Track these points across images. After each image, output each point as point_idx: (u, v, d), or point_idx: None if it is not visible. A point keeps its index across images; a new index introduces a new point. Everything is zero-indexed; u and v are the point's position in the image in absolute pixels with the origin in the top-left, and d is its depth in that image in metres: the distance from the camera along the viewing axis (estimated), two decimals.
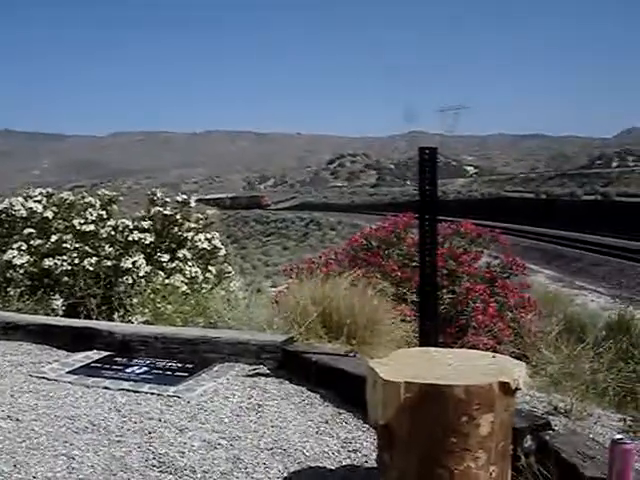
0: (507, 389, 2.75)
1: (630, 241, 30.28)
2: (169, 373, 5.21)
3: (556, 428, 3.49)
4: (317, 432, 3.99)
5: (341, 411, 4.32)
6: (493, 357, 3.15)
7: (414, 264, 7.44)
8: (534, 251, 29.28)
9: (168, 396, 4.70)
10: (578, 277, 23.20)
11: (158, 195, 10.06)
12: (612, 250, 27.16)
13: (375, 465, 3.16)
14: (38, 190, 10.06)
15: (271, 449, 3.73)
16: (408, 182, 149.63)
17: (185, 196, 10.38)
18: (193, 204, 10.22)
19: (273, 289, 14.39)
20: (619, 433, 3.40)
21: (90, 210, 9.69)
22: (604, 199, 51.53)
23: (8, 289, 8.60)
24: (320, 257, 8.89)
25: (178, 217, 9.81)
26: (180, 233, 9.75)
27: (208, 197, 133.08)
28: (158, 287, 8.14)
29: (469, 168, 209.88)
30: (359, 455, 3.65)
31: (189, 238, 9.71)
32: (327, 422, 4.15)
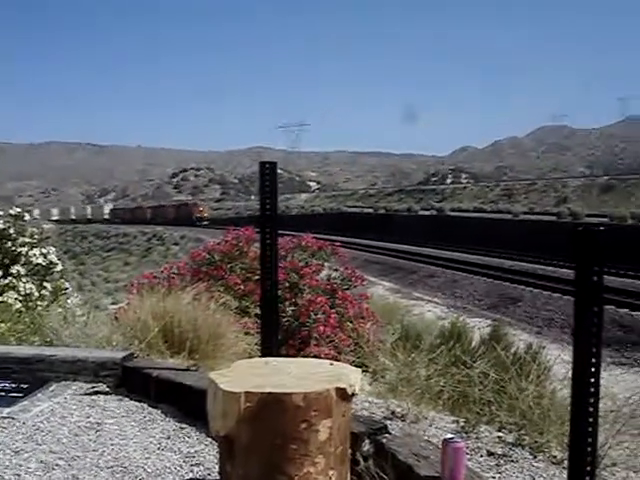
0: (344, 395, 2.84)
1: (462, 253, 32.04)
2: (2, 394, 4.96)
3: (393, 432, 3.63)
4: (159, 448, 3.94)
5: (183, 426, 4.29)
6: (331, 365, 3.25)
7: (256, 277, 7.51)
8: (373, 264, 30.28)
9: (2, 417, 4.47)
10: (415, 288, 24.21)
11: None
12: (446, 262, 28.60)
13: (218, 477, 3.17)
14: None
15: (111, 467, 3.65)
16: (252, 197, 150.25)
17: (19, 209, 9.94)
18: (27, 217, 9.82)
19: (114, 306, 14.05)
20: (451, 433, 3.59)
21: None
22: (439, 214, 54.12)
23: None
24: (162, 272, 8.78)
25: (12, 231, 9.38)
26: (14, 248, 9.32)
27: (122, 207, 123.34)
28: None
29: (312, 183, 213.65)
30: (202, 468, 3.64)
31: (23, 253, 9.30)
32: (169, 437, 4.10)
